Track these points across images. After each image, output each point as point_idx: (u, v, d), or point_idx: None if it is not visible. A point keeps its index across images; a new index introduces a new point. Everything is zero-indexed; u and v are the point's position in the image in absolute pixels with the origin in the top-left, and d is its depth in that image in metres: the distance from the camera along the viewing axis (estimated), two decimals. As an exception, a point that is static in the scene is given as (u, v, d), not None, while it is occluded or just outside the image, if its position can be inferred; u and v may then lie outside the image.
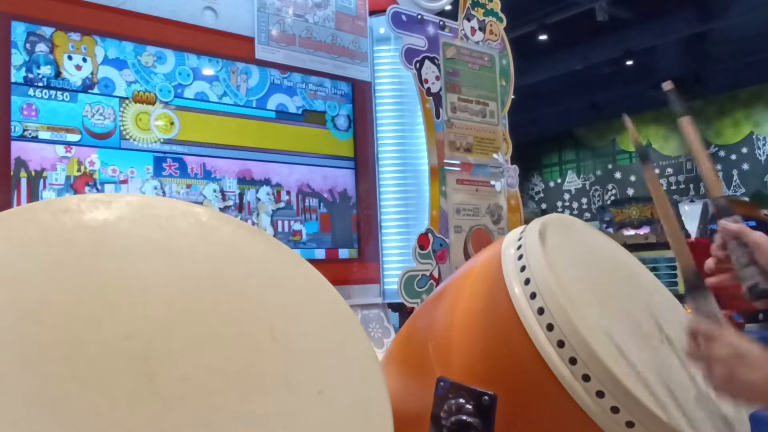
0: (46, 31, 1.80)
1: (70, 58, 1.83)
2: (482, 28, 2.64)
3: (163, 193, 1.97)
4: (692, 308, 0.95)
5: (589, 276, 1.07)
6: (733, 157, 10.73)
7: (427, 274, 2.31)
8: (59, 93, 1.81)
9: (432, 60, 2.45)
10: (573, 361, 0.89)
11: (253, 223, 2.12)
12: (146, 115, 1.96)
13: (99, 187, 1.85)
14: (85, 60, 1.85)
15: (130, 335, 0.70)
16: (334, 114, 2.37)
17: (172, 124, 2.00)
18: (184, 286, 0.78)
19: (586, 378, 0.88)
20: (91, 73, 1.87)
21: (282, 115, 2.25)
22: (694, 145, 1.09)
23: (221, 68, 2.12)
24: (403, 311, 2.45)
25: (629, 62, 9.07)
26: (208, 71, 2.10)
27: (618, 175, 12.25)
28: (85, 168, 1.84)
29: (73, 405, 0.63)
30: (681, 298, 1.25)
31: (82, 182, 1.83)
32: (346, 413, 0.76)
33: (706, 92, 9.88)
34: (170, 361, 0.70)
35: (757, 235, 0.99)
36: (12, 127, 1.73)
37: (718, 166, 10.76)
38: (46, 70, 1.79)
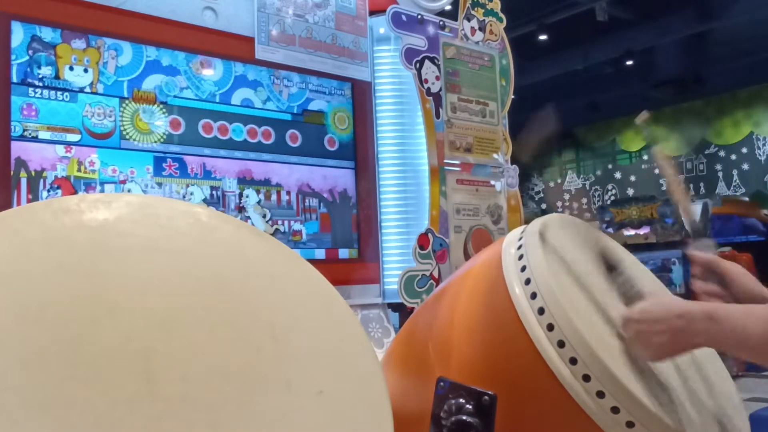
0: (48, 34, 1.80)
1: (71, 69, 1.83)
2: (482, 28, 2.64)
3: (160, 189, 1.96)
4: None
5: (589, 276, 1.07)
6: (733, 157, 10.70)
7: (427, 274, 2.31)
8: (59, 93, 1.81)
9: (432, 60, 2.44)
10: (573, 361, 0.89)
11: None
12: (146, 115, 1.96)
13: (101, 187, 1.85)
14: (86, 71, 1.85)
15: (130, 335, 0.70)
16: (333, 114, 2.37)
17: (172, 123, 2.00)
18: (184, 286, 0.78)
19: (586, 378, 0.88)
20: (92, 83, 1.87)
21: (282, 114, 2.25)
22: (668, 171, 1.17)
23: (222, 68, 2.12)
24: (403, 311, 2.45)
25: (629, 62, 9.06)
26: (208, 71, 2.10)
27: (618, 175, 12.22)
28: (85, 168, 1.84)
29: (73, 405, 0.63)
30: (683, 297, 1.25)
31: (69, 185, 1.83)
32: (346, 413, 0.76)
33: (706, 92, 9.87)
34: (170, 361, 0.70)
35: (729, 265, 1.04)
36: (12, 127, 1.73)
37: (718, 166, 10.75)
38: (46, 71, 1.79)
